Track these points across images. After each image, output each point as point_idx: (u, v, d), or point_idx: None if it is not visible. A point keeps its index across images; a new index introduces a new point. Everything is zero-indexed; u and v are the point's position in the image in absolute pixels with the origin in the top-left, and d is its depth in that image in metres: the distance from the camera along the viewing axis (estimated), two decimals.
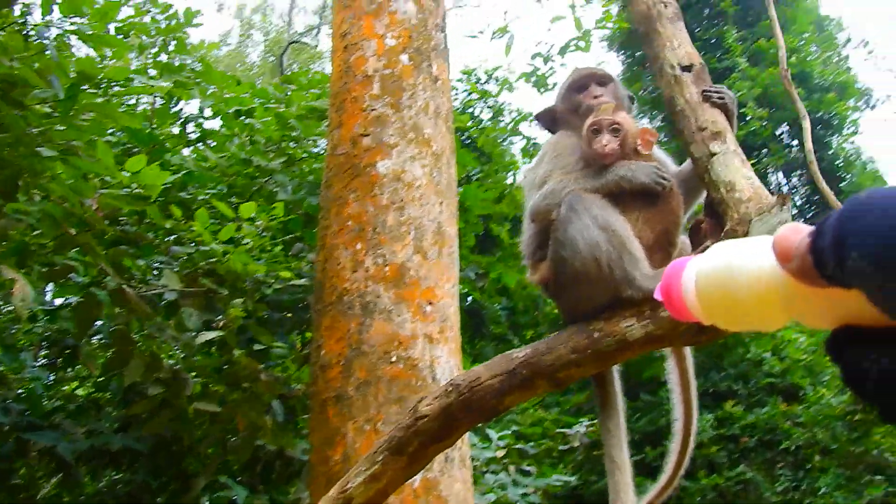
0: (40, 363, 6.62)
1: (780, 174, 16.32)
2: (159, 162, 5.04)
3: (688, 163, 2.60)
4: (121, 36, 5.61)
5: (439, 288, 4.09)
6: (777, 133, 16.24)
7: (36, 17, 4.85)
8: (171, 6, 6.41)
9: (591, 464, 10.64)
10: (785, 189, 16.15)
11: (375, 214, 4.13)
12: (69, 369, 6.66)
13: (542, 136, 14.34)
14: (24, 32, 4.57)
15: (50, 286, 5.81)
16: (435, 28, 4.77)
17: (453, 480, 3.74)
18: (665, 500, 2.79)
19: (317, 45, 26.58)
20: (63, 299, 6.09)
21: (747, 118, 14.62)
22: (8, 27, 4.48)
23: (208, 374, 5.54)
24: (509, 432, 7.52)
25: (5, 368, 5.95)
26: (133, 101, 7.03)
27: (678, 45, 2.49)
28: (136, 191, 4.54)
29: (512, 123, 11.21)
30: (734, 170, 2.21)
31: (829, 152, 15.84)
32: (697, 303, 1.10)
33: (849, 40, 18.76)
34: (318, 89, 6.74)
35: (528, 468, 7.10)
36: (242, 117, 6.50)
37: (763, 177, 15.13)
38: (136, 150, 5.58)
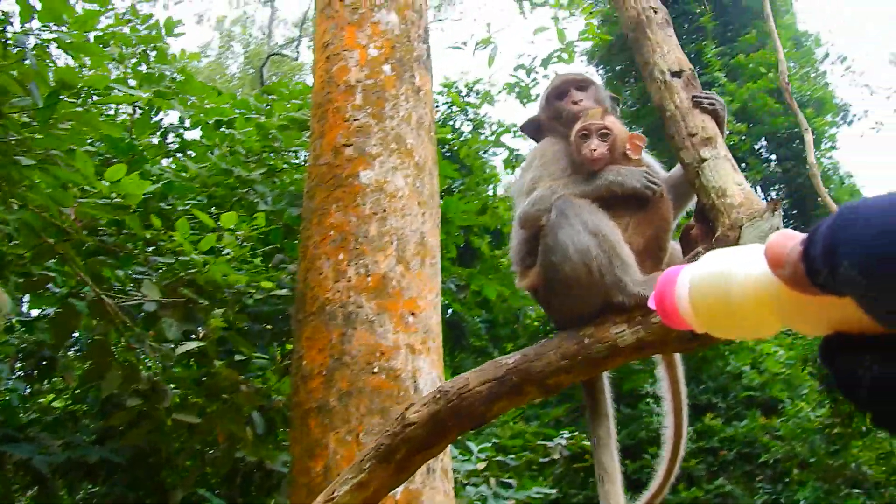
0: (17, 375, 6.55)
1: (759, 188, 16.44)
2: (139, 172, 5.00)
3: (677, 168, 2.60)
4: (101, 45, 5.57)
5: (422, 298, 4.08)
6: (756, 147, 16.37)
7: (16, 25, 4.82)
8: (151, 16, 6.38)
9: (570, 476, 10.63)
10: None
11: (358, 225, 4.12)
12: (46, 381, 6.59)
13: (524, 147, 14.38)
14: (4, 41, 4.53)
15: (26, 297, 5.74)
16: (417, 39, 4.78)
17: (435, 492, 3.72)
18: None
19: (297, 58, 26.58)
20: (40, 310, 6.03)
21: (726, 132, 14.71)
22: None
23: (188, 385, 5.49)
24: (489, 444, 7.50)
25: None
26: (112, 112, 6.99)
27: (668, 51, 2.48)
28: (116, 200, 4.50)
29: (494, 136, 11.22)
30: (725, 175, 2.20)
31: (807, 167, 15.95)
32: (691, 310, 1.09)
33: (827, 55, 18.96)
34: (300, 100, 6.72)
35: (508, 480, 7.08)
36: (223, 128, 6.47)
37: None
38: (114, 160, 5.53)
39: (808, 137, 3.81)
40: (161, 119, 6.85)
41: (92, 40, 5.26)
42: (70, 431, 5.94)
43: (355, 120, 4.39)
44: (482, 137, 12.30)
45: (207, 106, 6.50)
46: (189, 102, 6.30)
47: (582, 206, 2.41)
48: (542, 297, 2.57)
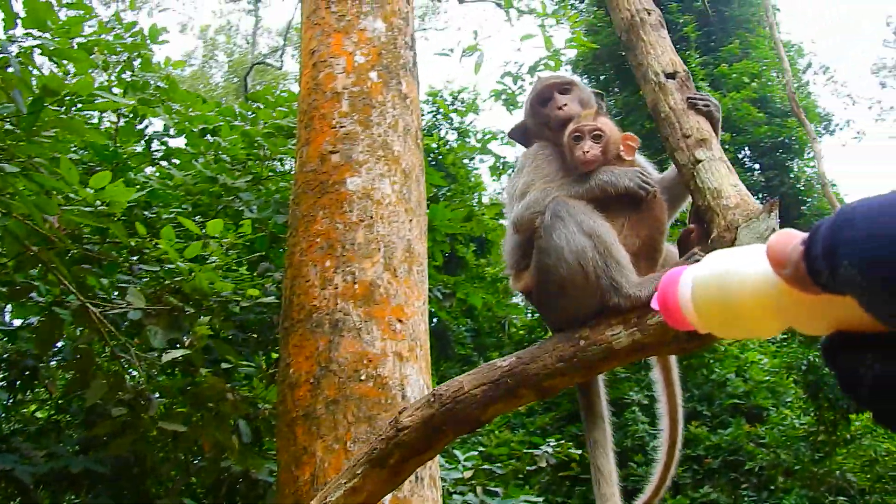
0: None
1: None
2: (123, 180, 4.97)
3: (671, 170, 2.59)
4: (85, 52, 5.54)
5: (409, 306, 4.07)
6: (739, 157, 16.46)
7: None
8: (135, 23, 6.35)
9: (556, 485, 10.63)
10: None
11: (344, 232, 4.10)
12: (28, 391, 6.53)
13: (511, 153, 14.38)
14: None
15: (9, 306, 5.69)
16: (404, 46, 4.77)
17: (423, 500, 3.70)
18: None
19: (281, 67, 26.59)
20: (23, 320, 5.97)
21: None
22: None
23: (173, 394, 5.45)
24: (476, 453, 7.48)
25: None
26: (96, 120, 6.95)
27: (661, 53, 2.48)
28: (101, 208, 4.47)
29: (480, 143, 11.23)
30: (721, 177, 2.20)
31: (790, 176, 16.09)
32: (694, 310, 1.10)
33: (809, 65, 19.11)
34: (285, 107, 6.70)
35: (495, 489, 7.06)
36: (208, 135, 6.44)
37: None
38: (98, 168, 5.50)
39: (818, 148, 3.82)
40: (146, 127, 6.82)
41: (76, 48, 5.23)
42: (53, 441, 5.89)
43: (342, 127, 4.37)
44: (468, 146, 12.32)
45: (192, 113, 6.47)
46: (174, 110, 6.27)
47: (576, 208, 2.40)
48: (536, 300, 2.55)
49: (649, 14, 2.56)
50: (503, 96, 10.70)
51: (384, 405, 3.74)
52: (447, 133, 13.18)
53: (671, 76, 2.44)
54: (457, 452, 7.23)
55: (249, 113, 6.73)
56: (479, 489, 6.84)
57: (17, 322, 6.11)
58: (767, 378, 12.56)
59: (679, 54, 2.56)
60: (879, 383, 0.89)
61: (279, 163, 6.71)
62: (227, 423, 5.22)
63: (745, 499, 11.15)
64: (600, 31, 17.10)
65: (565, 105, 2.78)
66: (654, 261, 2.48)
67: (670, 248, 2.55)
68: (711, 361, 12.41)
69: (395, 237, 4.16)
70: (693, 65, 15.81)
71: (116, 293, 5.39)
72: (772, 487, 11.21)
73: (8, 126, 4.30)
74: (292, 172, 4.76)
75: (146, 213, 5.75)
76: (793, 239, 0.93)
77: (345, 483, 2.25)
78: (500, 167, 11.57)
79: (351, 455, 3.45)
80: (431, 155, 11.20)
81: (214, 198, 6.21)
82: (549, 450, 7.95)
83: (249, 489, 5.82)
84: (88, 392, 4.88)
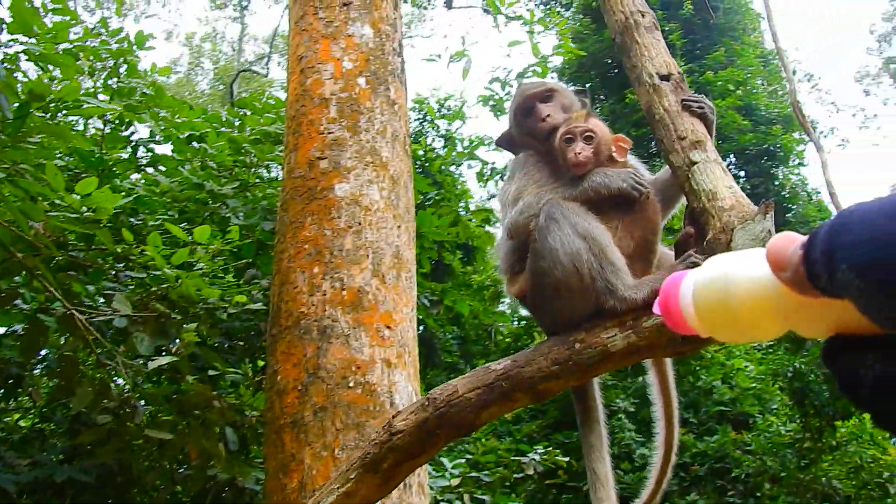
0: None
1: None
2: (109, 186, 4.94)
3: (664, 171, 2.59)
4: (71, 58, 5.52)
5: (397, 312, 4.05)
6: (724, 164, 16.51)
7: None
8: (121, 29, 6.33)
9: (543, 493, 10.62)
10: None
11: (333, 238, 4.08)
12: (12, 400, 6.48)
13: (499, 159, 14.40)
14: None
15: None
16: (392, 52, 4.76)
17: None
18: None
19: (267, 74, 26.57)
20: (7, 327, 5.93)
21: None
22: None
23: (159, 401, 5.42)
24: (463, 461, 7.47)
25: None
26: (82, 126, 6.92)
27: (656, 55, 2.48)
28: (87, 214, 4.44)
29: (467, 150, 11.25)
30: (716, 179, 2.20)
31: (775, 184, 16.16)
32: (695, 314, 1.11)
33: (794, 73, 19.20)
34: (272, 114, 6.68)
35: (482, 497, 7.05)
36: (194, 142, 6.41)
37: None
38: (84, 174, 5.47)
39: (823, 157, 3.83)
40: (132, 133, 6.79)
41: (62, 53, 5.20)
42: (37, 450, 5.84)
43: (330, 133, 4.35)
44: (454, 153, 12.34)
45: (179, 120, 6.45)
46: (160, 116, 6.25)
47: (571, 210, 2.39)
48: (531, 303, 2.54)
49: (643, 16, 2.57)
50: (491, 102, 10.72)
51: (372, 412, 3.72)
52: (434, 140, 13.19)
53: (665, 78, 2.44)
54: (444, 460, 7.22)
55: (236, 119, 6.71)
56: (466, 497, 6.82)
57: (2, 329, 6.07)
58: (753, 385, 12.61)
59: None
60: (880, 383, 0.90)
61: (266, 169, 6.69)
62: (214, 430, 5.19)
63: None
64: (586, 38, 17.16)
65: (548, 116, 2.77)
66: (649, 262, 2.48)
67: (664, 250, 2.55)
68: (698, 368, 12.45)
69: (383, 243, 4.14)
70: None
71: (102, 300, 5.36)
72: (758, 494, 11.24)
73: None
74: (279, 179, 4.73)
75: (132, 219, 5.71)
76: (792, 242, 0.94)
77: (338, 488, 2.23)
78: (488, 173, 11.59)
79: (339, 462, 3.43)
80: (418, 162, 11.20)
81: (201, 204, 6.18)
82: (537, 457, 7.95)
83: (236, 497, 5.78)
84: (73, 400, 4.84)
